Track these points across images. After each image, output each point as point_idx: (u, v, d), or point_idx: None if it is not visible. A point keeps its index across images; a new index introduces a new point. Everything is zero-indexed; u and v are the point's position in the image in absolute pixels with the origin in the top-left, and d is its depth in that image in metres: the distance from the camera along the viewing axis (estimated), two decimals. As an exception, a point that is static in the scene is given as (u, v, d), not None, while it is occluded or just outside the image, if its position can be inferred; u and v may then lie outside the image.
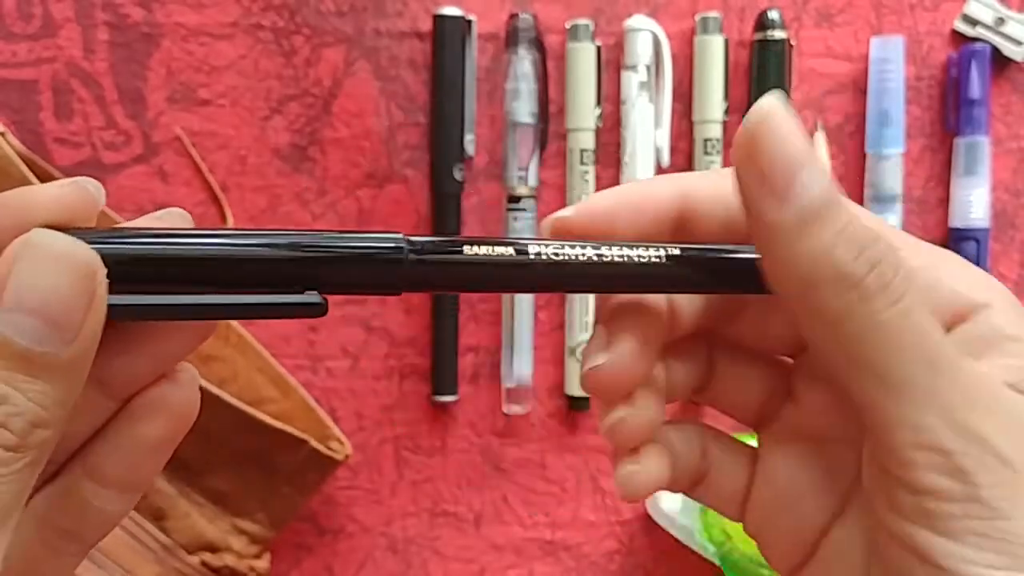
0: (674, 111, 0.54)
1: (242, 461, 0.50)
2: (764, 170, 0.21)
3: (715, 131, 0.53)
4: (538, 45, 0.53)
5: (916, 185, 0.55)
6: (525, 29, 0.53)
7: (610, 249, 0.24)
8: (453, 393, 0.54)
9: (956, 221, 0.54)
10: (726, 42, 0.53)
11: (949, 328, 0.23)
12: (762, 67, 0.53)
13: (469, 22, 0.53)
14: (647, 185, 0.25)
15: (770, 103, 0.21)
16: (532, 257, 0.23)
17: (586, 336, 0.54)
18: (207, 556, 0.50)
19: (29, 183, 0.47)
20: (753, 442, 0.28)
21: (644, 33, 0.53)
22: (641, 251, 0.24)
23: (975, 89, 0.53)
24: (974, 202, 0.54)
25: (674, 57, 0.54)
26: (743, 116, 0.21)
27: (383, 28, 0.53)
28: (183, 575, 0.49)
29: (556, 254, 0.23)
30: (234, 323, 0.51)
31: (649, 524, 0.55)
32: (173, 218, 0.23)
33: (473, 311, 0.55)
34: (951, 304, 0.23)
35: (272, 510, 0.51)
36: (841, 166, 0.55)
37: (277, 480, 0.51)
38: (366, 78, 0.53)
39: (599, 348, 0.25)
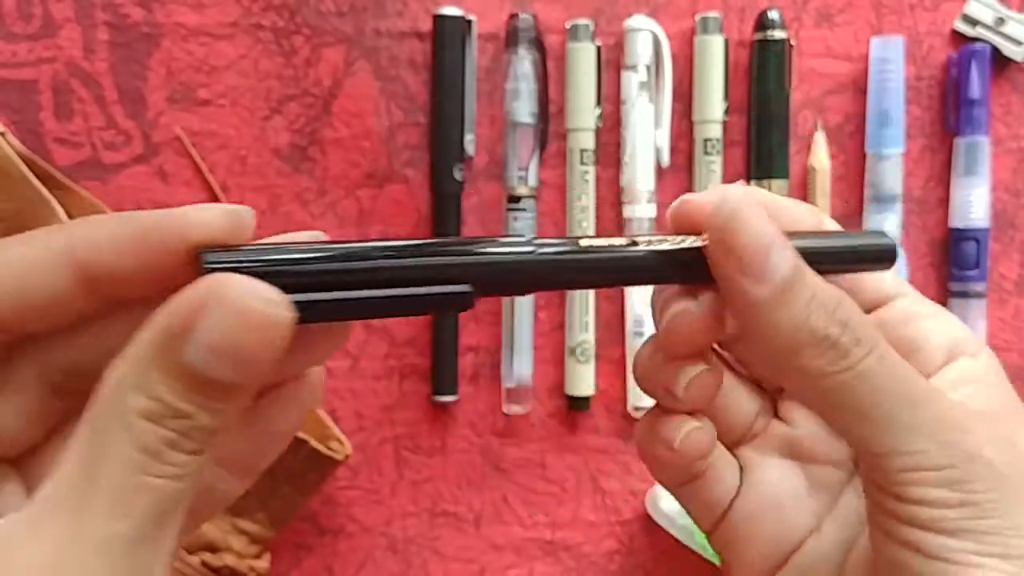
0: (674, 111, 0.54)
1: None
2: (742, 257, 0.23)
3: (715, 131, 0.53)
4: (538, 45, 0.53)
5: (916, 185, 0.55)
6: (525, 29, 0.53)
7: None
8: (453, 393, 0.54)
9: (956, 221, 0.54)
10: (726, 42, 0.53)
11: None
12: (762, 67, 0.53)
13: (469, 22, 0.53)
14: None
15: (735, 195, 0.24)
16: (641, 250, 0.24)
17: (586, 336, 0.54)
18: (207, 556, 0.50)
19: (29, 183, 0.47)
20: None
21: (644, 33, 0.53)
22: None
23: (975, 89, 0.53)
24: (974, 202, 0.54)
25: (674, 57, 0.54)
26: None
27: (383, 28, 0.53)
28: (183, 575, 0.49)
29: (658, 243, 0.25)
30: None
31: (649, 524, 0.55)
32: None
33: (473, 311, 0.54)
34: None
35: (272, 510, 0.51)
36: (841, 166, 0.55)
37: (277, 480, 0.51)
38: (366, 78, 0.53)
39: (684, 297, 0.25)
